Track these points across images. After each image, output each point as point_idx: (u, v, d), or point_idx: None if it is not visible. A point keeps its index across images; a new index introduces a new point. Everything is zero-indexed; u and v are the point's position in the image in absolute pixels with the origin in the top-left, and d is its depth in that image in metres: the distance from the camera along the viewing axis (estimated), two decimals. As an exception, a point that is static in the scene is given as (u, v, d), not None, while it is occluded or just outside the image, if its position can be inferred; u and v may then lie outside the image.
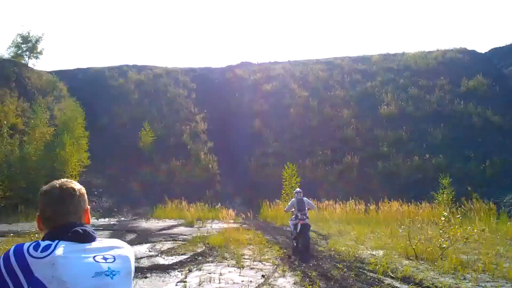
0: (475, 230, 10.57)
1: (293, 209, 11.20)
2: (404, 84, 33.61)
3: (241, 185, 23.59)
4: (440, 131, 27.00)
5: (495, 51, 37.22)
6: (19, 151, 23.68)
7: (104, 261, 1.54)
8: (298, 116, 32.26)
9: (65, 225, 1.60)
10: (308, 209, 11.21)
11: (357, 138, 28.65)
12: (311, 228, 11.07)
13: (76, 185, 1.72)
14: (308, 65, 40.18)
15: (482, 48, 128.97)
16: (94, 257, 1.53)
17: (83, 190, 1.74)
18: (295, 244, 10.94)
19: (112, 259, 1.56)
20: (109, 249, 1.59)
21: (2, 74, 30.41)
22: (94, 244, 1.57)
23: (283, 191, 21.18)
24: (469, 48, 39.77)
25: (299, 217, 10.74)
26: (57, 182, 1.70)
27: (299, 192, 11.49)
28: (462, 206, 16.61)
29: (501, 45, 38.09)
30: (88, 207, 1.75)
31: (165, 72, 39.50)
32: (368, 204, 19.18)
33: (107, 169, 27.15)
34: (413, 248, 9.93)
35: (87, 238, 1.58)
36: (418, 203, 18.33)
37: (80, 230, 1.58)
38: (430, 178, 22.01)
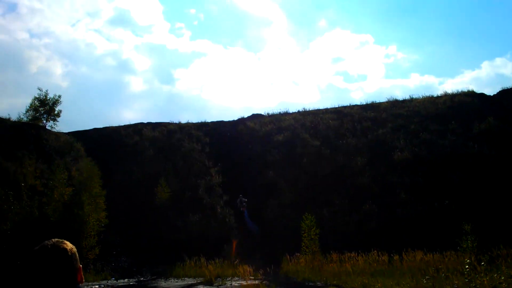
0: (503, 278, 10.32)
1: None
2: (416, 130, 33.75)
3: (259, 238, 23.33)
4: (457, 176, 26.81)
5: (503, 93, 37.56)
6: (38, 213, 23.91)
7: None
8: (311, 165, 32.33)
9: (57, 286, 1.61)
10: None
11: (373, 185, 28.50)
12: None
13: (68, 245, 1.73)
14: (319, 115, 40.72)
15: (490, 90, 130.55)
16: None
17: (75, 249, 1.76)
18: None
19: None
20: None
21: (21, 137, 31.27)
22: None
23: (303, 244, 20.83)
24: (477, 91, 40.23)
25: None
26: (48, 243, 1.71)
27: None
28: (489, 252, 16.22)
29: (509, 87, 38.28)
30: (80, 266, 1.77)
31: (179, 128, 40.23)
32: (392, 255, 18.80)
33: (125, 228, 27.14)
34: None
35: None
36: (443, 252, 17.94)
37: None
38: (453, 224, 21.58)
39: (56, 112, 37.89)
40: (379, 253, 19.17)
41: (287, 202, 29.01)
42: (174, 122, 41.92)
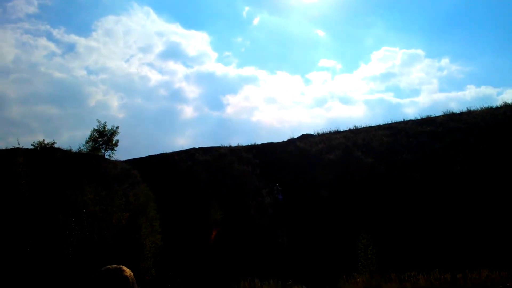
0: None
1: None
2: (476, 143, 31.99)
3: (313, 258, 22.75)
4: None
5: None
6: (97, 237, 24.77)
7: None
8: (365, 184, 31.40)
9: None
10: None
11: (434, 201, 27.09)
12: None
13: (127, 272, 1.75)
14: (370, 132, 39.75)
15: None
16: None
17: (132, 275, 1.78)
18: None
19: None
20: None
21: (82, 166, 32.93)
22: None
23: (360, 263, 20.05)
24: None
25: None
26: (108, 271, 1.73)
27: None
28: None
29: None
30: None
31: (229, 151, 40.60)
32: (455, 273, 17.59)
33: (179, 249, 27.50)
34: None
35: None
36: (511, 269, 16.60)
37: None
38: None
39: (114, 142, 39.41)
40: (441, 271, 18.01)
41: (342, 222, 28.20)
42: (225, 146, 42.38)
